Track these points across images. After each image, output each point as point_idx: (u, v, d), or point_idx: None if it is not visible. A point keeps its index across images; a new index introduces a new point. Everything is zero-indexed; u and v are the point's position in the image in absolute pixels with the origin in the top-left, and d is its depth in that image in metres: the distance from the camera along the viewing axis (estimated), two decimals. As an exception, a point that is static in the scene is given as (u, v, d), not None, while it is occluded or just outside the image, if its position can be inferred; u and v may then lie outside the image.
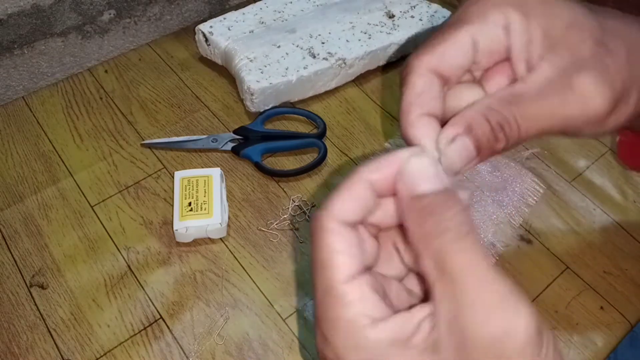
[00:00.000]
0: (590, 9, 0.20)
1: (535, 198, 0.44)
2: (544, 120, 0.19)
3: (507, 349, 0.15)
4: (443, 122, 0.19)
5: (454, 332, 0.15)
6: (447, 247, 0.16)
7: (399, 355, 0.16)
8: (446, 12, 0.54)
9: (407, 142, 0.19)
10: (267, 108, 0.49)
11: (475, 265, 0.16)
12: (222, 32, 0.51)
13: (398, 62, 0.53)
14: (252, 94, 0.47)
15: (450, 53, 0.20)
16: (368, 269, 0.18)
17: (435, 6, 0.54)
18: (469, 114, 0.19)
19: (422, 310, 0.16)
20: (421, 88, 0.20)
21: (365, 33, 0.51)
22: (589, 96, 0.19)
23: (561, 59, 0.19)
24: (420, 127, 0.19)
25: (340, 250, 0.17)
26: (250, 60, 0.48)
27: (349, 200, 0.18)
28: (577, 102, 0.19)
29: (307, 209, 0.44)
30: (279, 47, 0.50)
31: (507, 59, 0.20)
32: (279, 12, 0.53)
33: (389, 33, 0.51)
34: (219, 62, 0.52)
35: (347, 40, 0.50)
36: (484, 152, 0.19)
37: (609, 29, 0.19)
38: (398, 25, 0.52)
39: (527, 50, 0.20)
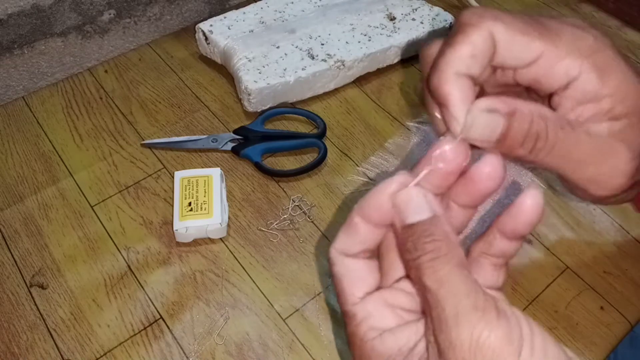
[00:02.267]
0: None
1: (535, 198, 0.44)
2: (568, 161, 0.19)
3: (483, 358, 0.16)
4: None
5: (437, 342, 0.17)
6: (424, 266, 0.17)
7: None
8: (448, 16, 0.53)
9: (436, 98, 0.19)
10: (264, 108, 0.49)
11: (449, 281, 0.16)
12: (221, 31, 0.51)
13: (398, 65, 0.53)
14: (249, 94, 0.47)
15: (520, 47, 0.18)
16: (379, 287, 0.20)
17: (437, 9, 0.54)
18: (520, 103, 0.18)
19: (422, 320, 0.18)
20: (476, 47, 0.18)
21: (365, 35, 0.51)
22: (618, 164, 0.19)
23: (619, 124, 0.19)
24: (456, 88, 0.18)
25: (343, 277, 0.20)
26: (249, 60, 0.49)
27: (347, 237, 0.20)
28: (607, 168, 0.19)
29: (307, 209, 0.44)
30: (278, 47, 0.50)
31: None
32: (280, 12, 0.53)
33: (389, 35, 0.51)
34: (219, 61, 0.52)
35: (346, 42, 0.50)
36: (504, 144, 0.18)
37: None
38: (399, 28, 0.52)
39: (610, 104, 0.19)
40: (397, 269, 0.21)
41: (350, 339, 0.19)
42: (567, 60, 0.19)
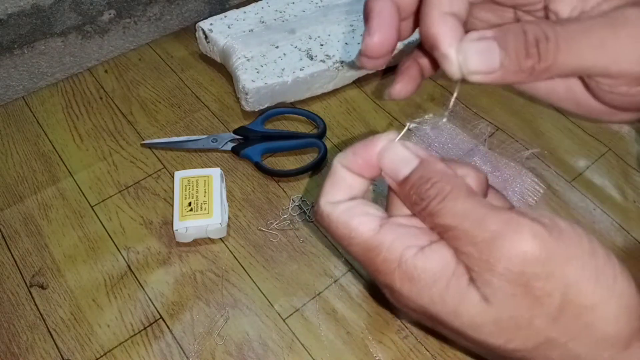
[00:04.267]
0: None
1: (535, 198, 0.44)
2: (589, 51, 0.17)
3: (527, 270, 0.16)
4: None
5: (481, 269, 0.16)
6: (437, 210, 0.17)
7: (451, 282, 0.17)
8: None
9: (426, 43, 0.19)
10: (262, 108, 0.49)
11: (467, 212, 0.16)
12: (221, 30, 0.51)
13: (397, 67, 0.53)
14: (246, 93, 0.47)
15: None
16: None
17: None
18: (506, 25, 0.18)
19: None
20: None
21: None
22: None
23: (620, 11, 0.17)
24: (443, 26, 0.18)
25: (349, 219, 0.18)
26: (247, 59, 0.49)
27: (332, 185, 0.19)
28: (631, 38, 0.17)
29: (307, 209, 0.44)
30: (277, 47, 0.50)
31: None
32: (280, 12, 0.53)
33: None
34: (218, 59, 0.52)
35: (346, 43, 0.50)
36: (509, 65, 0.17)
37: None
38: None
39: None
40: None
41: (383, 268, 0.17)
42: None
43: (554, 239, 0.16)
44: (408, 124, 0.20)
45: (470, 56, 0.18)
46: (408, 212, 0.19)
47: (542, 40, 0.17)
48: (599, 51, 0.17)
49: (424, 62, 0.23)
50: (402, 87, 0.22)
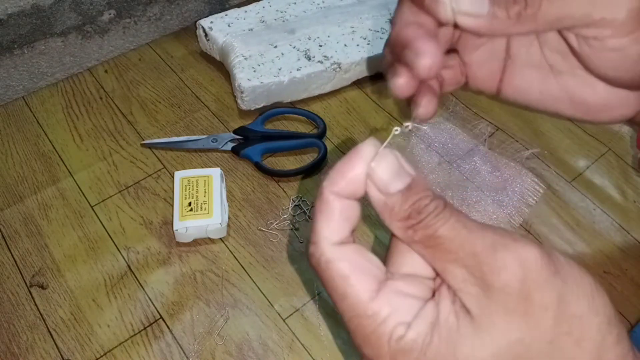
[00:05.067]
0: None
1: (535, 198, 0.44)
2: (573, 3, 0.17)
3: (531, 285, 0.15)
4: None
5: (483, 278, 0.16)
6: (434, 222, 0.16)
7: (442, 333, 0.16)
8: None
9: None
10: (257, 107, 0.49)
11: (465, 224, 0.16)
12: (221, 28, 0.51)
13: None
14: (242, 92, 0.47)
15: None
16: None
17: None
18: None
19: (444, 288, 0.17)
20: None
21: (364, 39, 0.51)
22: None
23: None
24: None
25: (350, 274, 0.17)
26: (245, 58, 0.48)
27: (329, 221, 0.17)
28: None
29: (307, 209, 0.44)
30: (275, 47, 0.50)
31: None
32: (281, 12, 0.53)
33: None
34: (217, 57, 0.52)
35: (345, 45, 0.50)
36: (497, 10, 0.18)
37: None
38: None
39: None
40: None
41: (372, 341, 0.16)
42: None
43: (544, 250, 0.16)
44: (395, 129, 0.18)
45: (460, 1, 0.18)
46: (407, 270, 0.18)
47: None
48: (582, 3, 0.18)
49: (448, 73, 0.22)
50: (426, 106, 0.21)
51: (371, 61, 0.51)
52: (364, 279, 0.17)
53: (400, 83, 0.20)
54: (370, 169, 0.17)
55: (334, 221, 0.17)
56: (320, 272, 0.17)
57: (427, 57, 0.18)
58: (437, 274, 0.17)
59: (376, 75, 0.52)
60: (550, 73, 0.21)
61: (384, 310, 0.16)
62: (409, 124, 0.19)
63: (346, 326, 0.17)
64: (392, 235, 0.18)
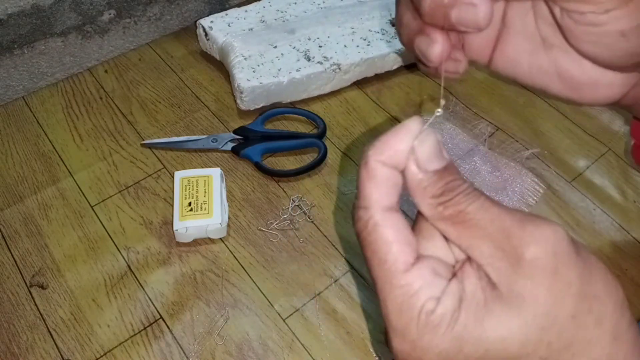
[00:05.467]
0: None
1: (535, 198, 0.44)
2: None
3: (558, 260, 0.16)
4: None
5: (504, 263, 0.16)
6: (464, 200, 0.17)
7: (469, 309, 0.16)
8: None
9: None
10: (257, 107, 0.49)
11: (491, 203, 0.17)
12: (221, 28, 0.51)
13: (397, 72, 0.52)
14: (241, 92, 0.47)
15: None
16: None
17: None
18: None
19: (468, 266, 0.17)
20: None
21: (364, 39, 0.51)
22: None
23: None
24: None
25: (394, 240, 0.17)
26: (245, 58, 0.48)
27: (378, 187, 0.18)
28: None
29: (307, 209, 0.44)
30: (275, 47, 0.50)
31: None
32: (282, 12, 0.53)
33: (389, 42, 0.51)
34: (217, 57, 0.52)
35: (344, 46, 0.50)
36: None
37: None
38: None
39: None
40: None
41: (402, 311, 0.17)
42: None
43: (567, 232, 0.17)
44: (437, 111, 0.19)
45: None
46: (431, 254, 0.19)
47: None
48: None
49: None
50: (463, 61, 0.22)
51: (371, 63, 0.51)
52: (405, 249, 0.17)
53: (439, 48, 0.20)
54: (414, 144, 0.17)
55: (383, 186, 0.18)
56: (365, 235, 0.18)
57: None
58: (463, 251, 0.18)
59: (377, 76, 0.52)
60: (542, 46, 0.22)
61: (416, 282, 0.17)
62: (440, 110, 0.19)
63: (378, 293, 0.18)
64: (416, 220, 0.19)
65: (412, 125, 0.18)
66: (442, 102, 0.19)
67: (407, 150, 0.17)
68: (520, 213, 0.17)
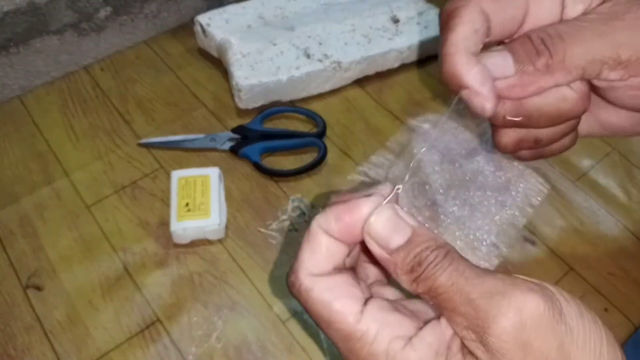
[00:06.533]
0: None
1: (539, 198, 0.44)
2: (593, 41, 0.18)
3: (529, 332, 0.15)
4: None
5: (478, 331, 0.15)
6: (432, 273, 0.16)
7: None
8: None
9: (453, 83, 0.19)
10: (256, 105, 0.48)
11: (464, 273, 0.16)
12: (219, 25, 0.50)
13: (399, 70, 0.52)
14: (240, 91, 0.46)
15: (509, 5, 0.19)
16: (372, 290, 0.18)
17: None
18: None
19: (443, 320, 0.17)
20: (475, 23, 0.19)
21: (365, 37, 0.50)
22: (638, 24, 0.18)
23: (614, 5, 0.19)
24: (473, 69, 0.19)
25: (332, 299, 0.17)
26: (243, 56, 0.48)
27: (314, 254, 0.18)
28: (629, 26, 0.18)
29: (306, 209, 0.43)
30: (274, 44, 0.49)
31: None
32: (280, 9, 0.52)
33: (390, 39, 0.50)
34: (215, 54, 0.51)
35: (345, 43, 0.49)
36: (525, 66, 0.18)
37: None
38: (401, 32, 0.51)
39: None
40: (367, 274, 0.20)
41: None
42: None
43: (548, 298, 0.15)
44: (396, 187, 0.18)
45: (489, 65, 0.18)
46: (370, 281, 0.18)
47: (546, 38, 0.18)
48: (604, 40, 0.18)
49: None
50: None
51: (372, 60, 0.50)
52: (347, 303, 0.17)
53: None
54: (368, 226, 0.17)
55: (318, 254, 0.18)
56: (302, 301, 0.17)
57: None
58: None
59: (378, 74, 0.52)
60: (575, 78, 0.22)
61: (372, 327, 0.16)
62: (400, 186, 0.18)
63: (340, 353, 0.17)
64: None
65: (363, 205, 0.17)
66: (398, 187, 0.18)
67: (359, 226, 0.17)
68: (493, 281, 0.15)
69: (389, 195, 0.18)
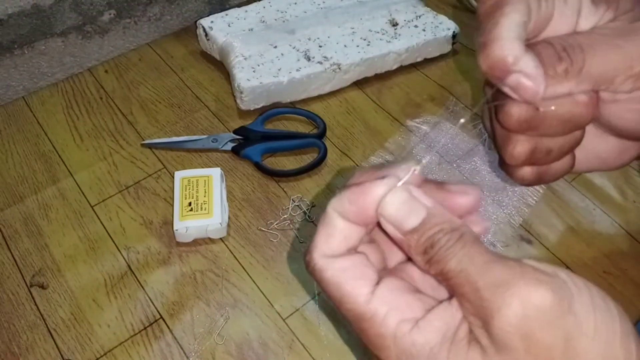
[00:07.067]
0: None
1: (535, 198, 0.44)
2: (609, 52, 0.19)
3: (533, 323, 0.15)
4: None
5: (483, 319, 0.16)
6: (445, 255, 0.16)
7: (451, 350, 0.16)
8: (451, 24, 0.52)
9: (502, 68, 0.19)
10: (257, 107, 0.49)
11: (474, 258, 0.16)
12: (221, 28, 0.51)
13: (397, 72, 0.52)
14: (241, 92, 0.47)
15: (543, 9, 0.20)
16: (384, 272, 0.18)
17: (441, 17, 0.53)
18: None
19: (454, 302, 0.17)
20: (522, 18, 0.19)
21: (364, 39, 0.51)
22: None
23: (627, 20, 0.19)
24: (527, 54, 0.19)
25: (344, 280, 0.17)
26: (245, 58, 0.49)
27: (329, 236, 0.18)
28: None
29: (307, 209, 0.44)
30: (275, 47, 0.50)
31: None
32: (282, 12, 0.53)
33: (389, 41, 0.51)
34: (217, 57, 0.52)
35: (344, 46, 0.50)
36: (546, 68, 0.19)
37: None
38: (400, 34, 0.51)
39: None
40: (392, 253, 0.20)
41: (377, 342, 0.17)
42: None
43: (557, 289, 0.15)
44: (412, 168, 0.18)
45: (523, 68, 0.19)
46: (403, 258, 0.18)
47: (567, 46, 0.19)
48: (620, 52, 0.19)
49: None
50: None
51: (371, 62, 0.51)
52: (358, 283, 0.17)
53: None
54: (382, 208, 0.17)
55: (332, 237, 0.18)
56: (316, 280, 0.18)
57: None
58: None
59: (377, 76, 0.52)
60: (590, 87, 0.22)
61: (381, 309, 0.17)
62: (417, 167, 0.18)
63: (353, 331, 0.18)
64: None
65: (376, 188, 0.17)
66: (415, 168, 0.18)
67: (373, 208, 0.17)
68: (502, 271, 0.15)
69: (404, 177, 0.18)
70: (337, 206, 0.18)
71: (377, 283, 0.17)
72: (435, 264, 0.16)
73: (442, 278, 0.17)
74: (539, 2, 0.19)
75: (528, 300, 0.15)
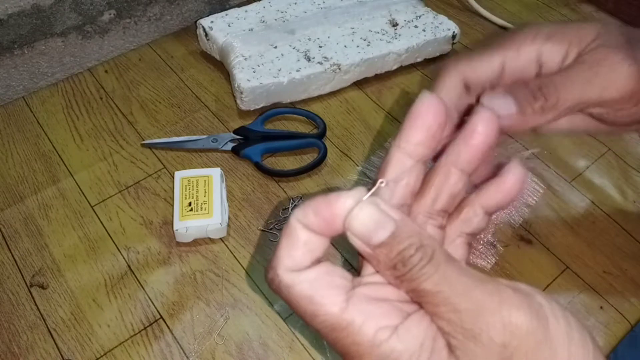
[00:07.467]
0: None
1: (535, 198, 0.44)
2: (581, 87, 0.23)
3: (510, 343, 0.15)
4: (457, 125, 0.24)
5: (464, 336, 0.16)
6: (418, 276, 0.16)
7: (429, 354, 0.16)
8: (451, 24, 0.53)
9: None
10: (257, 107, 0.49)
11: (450, 278, 0.16)
12: (221, 28, 0.51)
13: (397, 72, 0.52)
14: (241, 92, 0.47)
15: (482, 68, 0.24)
16: (354, 280, 0.18)
17: (441, 17, 0.53)
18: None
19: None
20: (448, 86, 0.24)
21: (364, 40, 0.51)
22: (619, 68, 0.22)
23: (594, 54, 0.23)
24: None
25: (314, 292, 0.16)
26: (245, 59, 0.49)
27: (291, 248, 0.17)
28: (608, 72, 0.23)
29: (307, 209, 0.44)
30: (275, 47, 0.50)
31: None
32: (282, 12, 0.53)
33: (389, 42, 0.51)
34: (217, 57, 0.52)
35: (345, 46, 0.50)
36: (523, 107, 0.23)
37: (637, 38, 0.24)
38: (400, 35, 0.51)
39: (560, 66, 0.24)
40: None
41: (354, 351, 0.16)
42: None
43: (535, 314, 0.16)
44: (380, 181, 0.17)
45: (495, 109, 0.21)
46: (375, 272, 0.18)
47: (542, 85, 0.23)
48: (589, 86, 0.23)
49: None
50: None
51: (371, 63, 0.51)
52: (330, 293, 0.16)
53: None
54: (349, 222, 0.16)
55: (296, 250, 0.17)
56: (283, 297, 0.17)
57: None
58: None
59: (377, 76, 0.52)
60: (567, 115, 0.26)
61: (357, 317, 0.16)
62: (384, 180, 0.18)
63: (329, 345, 0.17)
64: None
65: (342, 201, 0.17)
66: (382, 181, 0.18)
67: (339, 221, 0.17)
68: (481, 294, 0.15)
69: (371, 190, 0.17)
70: (301, 217, 0.17)
71: (350, 290, 0.17)
72: (407, 282, 0.16)
73: (415, 295, 0.16)
74: (471, 65, 0.25)
75: (508, 327, 0.15)
